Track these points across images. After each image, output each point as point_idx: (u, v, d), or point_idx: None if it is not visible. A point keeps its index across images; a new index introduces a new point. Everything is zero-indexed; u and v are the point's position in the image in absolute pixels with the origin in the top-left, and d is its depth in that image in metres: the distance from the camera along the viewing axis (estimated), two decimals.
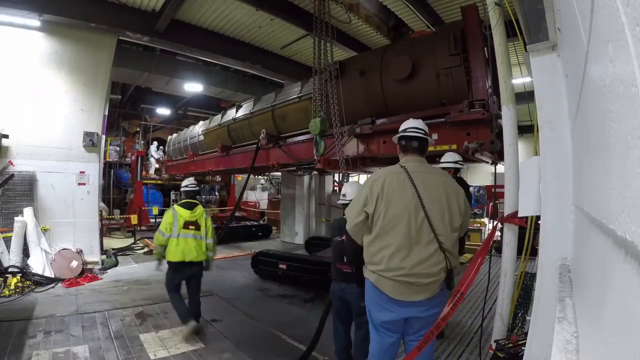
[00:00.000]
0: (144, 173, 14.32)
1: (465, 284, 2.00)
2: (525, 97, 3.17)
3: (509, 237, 2.78)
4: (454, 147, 4.01)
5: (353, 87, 4.87)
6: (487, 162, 4.75)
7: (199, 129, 10.67)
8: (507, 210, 2.74)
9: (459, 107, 3.92)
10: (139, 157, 13.81)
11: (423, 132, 2.27)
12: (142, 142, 16.09)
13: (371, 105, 4.80)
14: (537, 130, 2.06)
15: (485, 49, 3.82)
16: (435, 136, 4.13)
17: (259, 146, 6.55)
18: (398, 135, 2.32)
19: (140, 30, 7.57)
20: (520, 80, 6.02)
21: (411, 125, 2.32)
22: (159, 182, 14.74)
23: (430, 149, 4.16)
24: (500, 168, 3.88)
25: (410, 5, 6.25)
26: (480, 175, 15.61)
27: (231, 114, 8.68)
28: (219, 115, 9.49)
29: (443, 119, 4.04)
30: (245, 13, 7.75)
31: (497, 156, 4.08)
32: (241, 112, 8.20)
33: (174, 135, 13.26)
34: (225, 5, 7.52)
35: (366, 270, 2.21)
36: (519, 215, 2.41)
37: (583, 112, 1.15)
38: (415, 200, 2.07)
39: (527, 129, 3.70)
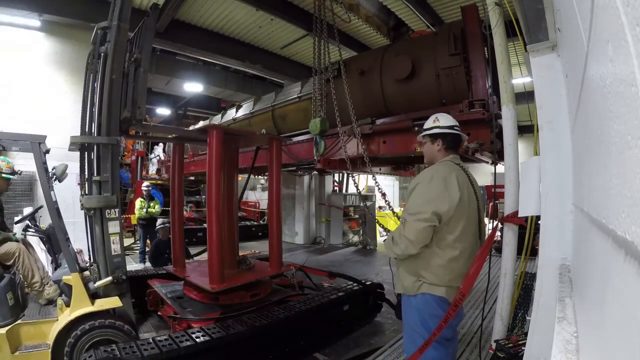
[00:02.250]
0: (144, 173, 14.28)
1: (467, 284, 2.00)
2: (525, 97, 3.18)
3: (509, 237, 2.78)
4: None
5: (352, 86, 4.88)
6: (487, 162, 4.75)
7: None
8: (507, 210, 2.74)
9: (459, 107, 3.92)
10: (139, 157, 13.77)
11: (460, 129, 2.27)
12: (142, 142, 16.07)
13: (371, 105, 4.79)
14: (537, 130, 2.06)
15: (485, 48, 3.83)
16: None
17: (259, 146, 6.55)
18: (444, 131, 2.19)
19: None
20: (520, 80, 6.03)
21: (454, 122, 2.25)
22: (159, 182, 14.73)
23: None
24: (500, 168, 3.89)
25: (410, 5, 6.25)
26: (480, 175, 15.61)
27: (231, 114, 8.69)
28: (219, 116, 9.49)
29: None
30: (245, 13, 7.76)
31: (497, 156, 4.09)
32: (241, 112, 8.20)
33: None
34: (225, 5, 7.52)
35: (426, 285, 2.02)
36: (519, 216, 2.41)
37: (583, 112, 1.15)
38: (475, 203, 2.13)
39: (527, 129, 3.70)
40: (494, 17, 2.77)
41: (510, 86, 2.77)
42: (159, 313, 4.38)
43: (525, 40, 2.11)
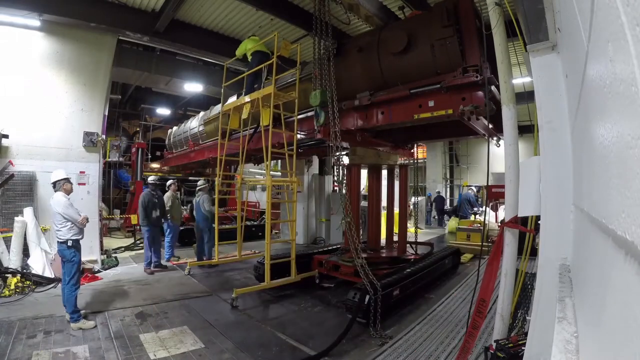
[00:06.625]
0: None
1: (488, 291, 2.00)
2: (525, 97, 3.18)
3: (509, 238, 2.78)
4: (450, 111, 4.09)
5: (351, 63, 5.04)
6: (483, 135, 4.81)
7: (199, 119, 10.65)
8: (507, 212, 2.74)
9: (454, 74, 4.05)
10: (140, 150, 13.49)
11: None
12: (140, 133, 16.06)
13: (369, 80, 4.93)
14: (537, 130, 2.06)
15: (477, 20, 4.00)
16: (431, 103, 4.29)
17: (258, 125, 6.60)
18: None
19: (140, 30, 7.57)
20: (520, 80, 6.03)
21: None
22: (159, 174, 14.68)
23: (427, 115, 4.29)
24: (496, 149, 3.93)
25: (411, 6, 6.25)
26: (480, 175, 15.63)
27: (232, 100, 8.62)
28: (219, 105, 9.42)
29: (438, 85, 4.15)
30: (245, 13, 7.76)
31: (493, 127, 4.21)
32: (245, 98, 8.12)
33: (174, 128, 13.21)
34: (225, 5, 7.52)
35: None
36: (519, 215, 2.41)
37: (583, 112, 1.15)
38: None
39: (527, 129, 3.71)
40: (494, 17, 2.77)
41: (510, 86, 2.77)
42: (334, 275, 5.86)
43: (525, 40, 2.12)
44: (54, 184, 4.38)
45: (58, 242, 4.23)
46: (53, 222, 4.30)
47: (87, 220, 4.38)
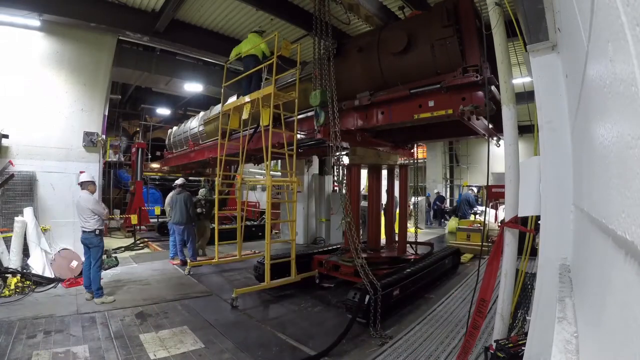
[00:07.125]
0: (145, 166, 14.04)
1: (488, 291, 2.00)
2: (525, 97, 3.18)
3: (509, 238, 2.78)
4: (450, 111, 4.10)
5: (351, 63, 5.06)
6: (483, 135, 4.81)
7: (199, 119, 10.65)
8: (507, 212, 2.74)
9: (454, 74, 4.06)
10: (140, 150, 13.48)
11: None
12: (140, 133, 16.05)
13: (369, 80, 4.95)
14: (537, 130, 2.06)
15: (477, 20, 4.02)
16: (431, 103, 4.30)
17: (258, 125, 6.61)
18: None
19: (140, 30, 7.57)
20: (520, 80, 6.04)
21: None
22: (159, 174, 14.69)
23: (427, 115, 4.29)
24: (496, 149, 3.93)
25: (411, 6, 6.25)
26: (480, 175, 15.64)
27: (232, 100, 8.62)
28: (219, 105, 9.42)
29: (438, 85, 4.15)
30: (245, 13, 7.76)
31: (493, 128, 4.21)
32: (246, 98, 8.11)
33: (174, 128, 13.21)
34: (225, 5, 7.52)
35: None
36: (519, 215, 2.41)
37: (583, 112, 1.15)
38: None
39: (527, 129, 3.72)
40: (494, 17, 2.77)
41: (510, 86, 2.77)
42: (334, 275, 5.87)
43: (525, 40, 2.12)
44: (81, 183, 5.22)
45: (84, 231, 5.05)
46: (80, 215, 5.06)
47: (109, 214, 4.96)
